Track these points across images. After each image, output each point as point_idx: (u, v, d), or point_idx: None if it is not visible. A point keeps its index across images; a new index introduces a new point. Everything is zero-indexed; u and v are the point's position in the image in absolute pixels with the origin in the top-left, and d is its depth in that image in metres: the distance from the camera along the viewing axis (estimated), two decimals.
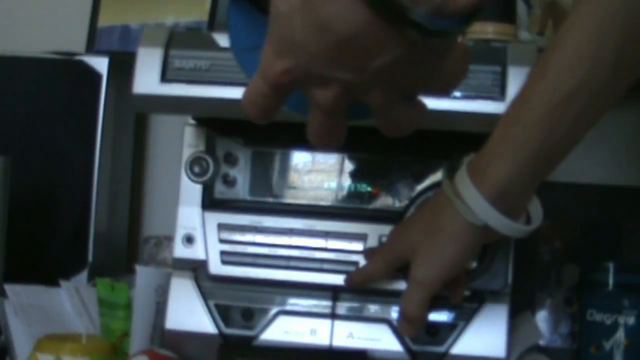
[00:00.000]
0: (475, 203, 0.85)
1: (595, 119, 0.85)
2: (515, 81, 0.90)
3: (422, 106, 0.68)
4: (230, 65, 0.93)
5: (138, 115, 1.45)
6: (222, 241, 1.02)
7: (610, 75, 0.82)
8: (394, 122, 0.67)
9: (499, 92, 0.91)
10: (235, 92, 0.92)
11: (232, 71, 0.93)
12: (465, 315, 0.99)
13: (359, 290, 1.00)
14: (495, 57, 0.92)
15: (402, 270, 0.94)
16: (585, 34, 0.82)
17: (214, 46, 0.95)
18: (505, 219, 0.85)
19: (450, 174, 0.89)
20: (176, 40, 0.95)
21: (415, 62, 0.61)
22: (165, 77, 0.94)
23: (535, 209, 0.89)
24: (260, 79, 0.63)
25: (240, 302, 1.02)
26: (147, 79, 0.94)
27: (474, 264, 0.98)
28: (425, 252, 0.89)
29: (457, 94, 0.91)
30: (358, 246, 1.00)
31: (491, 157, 0.85)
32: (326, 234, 1.01)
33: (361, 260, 1.00)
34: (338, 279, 1.00)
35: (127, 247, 1.43)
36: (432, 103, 0.88)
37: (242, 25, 0.68)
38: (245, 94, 0.65)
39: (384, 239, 0.99)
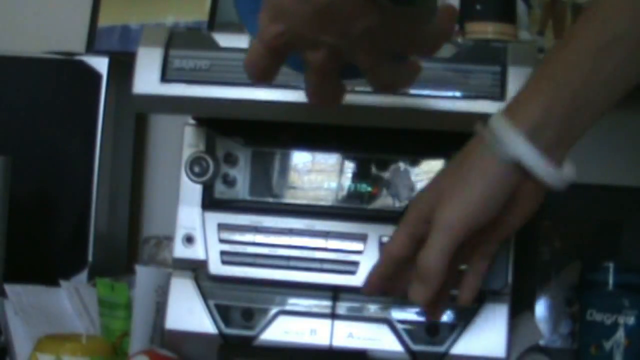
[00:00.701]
0: (507, 135, 0.79)
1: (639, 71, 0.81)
2: (515, 81, 0.89)
3: (415, 65, 0.73)
4: (230, 65, 0.94)
5: (138, 115, 1.45)
6: (222, 241, 1.02)
7: None
8: (384, 81, 0.72)
9: (499, 92, 0.91)
10: (235, 92, 0.93)
11: (232, 71, 0.93)
12: (465, 315, 0.99)
13: (359, 291, 1.00)
14: (495, 57, 0.92)
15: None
16: None
17: (214, 46, 0.95)
18: (537, 154, 0.79)
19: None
20: (176, 40, 0.95)
21: (393, 26, 0.67)
22: (165, 77, 0.94)
23: (569, 167, 0.82)
24: (259, 41, 0.69)
25: (240, 302, 1.02)
26: (147, 79, 0.94)
27: None
28: (450, 192, 0.81)
29: (457, 94, 0.91)
30: (358, 246, 1.00)
31: (528, 94, 0.81)
32: (326, 234, 1.01)
33: (361, 261, 1.00)
34: (338, 279, 1.00)
35: (127, 247, 1.43)
36: (432, 103, 0.91)
37: None
38: (247, 57, 0.71)
39: (384, 239, 0.99)
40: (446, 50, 0.90)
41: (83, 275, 1.30)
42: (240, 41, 0.94)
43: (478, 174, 0.80)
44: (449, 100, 0.91)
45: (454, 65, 0.90)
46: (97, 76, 1.32)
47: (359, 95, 0.91)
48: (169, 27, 0.91)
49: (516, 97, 0.82)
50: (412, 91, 0.90)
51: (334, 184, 1.04)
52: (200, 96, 0.94)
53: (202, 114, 1.00)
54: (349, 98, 0.89)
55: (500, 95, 0.90)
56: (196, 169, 1.03)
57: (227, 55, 0.94)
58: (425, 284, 0.81)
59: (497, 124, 0.80)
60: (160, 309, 1.05)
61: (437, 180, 0.85)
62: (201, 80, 0.94)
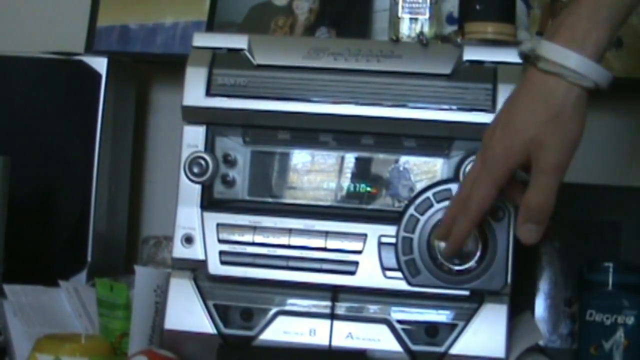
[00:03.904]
0: (586, 68, 0.87)
1: None
2: (504, 96, 0.97)
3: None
4: (265, 82, 1.03)
5: (137, 115, 1.45)
6: (221, 241, 1.02)
7: None
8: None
9: (490, 106, 0.99)
10: (268, 105, 1.02)
11: (266, 87, 1.03)
12: (464, 316, 0.99)
13: (358, 291, 1.00)
14: (488, 76, 1.01)
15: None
16: None
17: (251, 65, 1.04)
18: (606, 72, 0.88)
19: (528, 59, 0.91)
20: (219, 61, 1.05)
21: None
22: (209, 92, 1.04)
23: None
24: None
25: (239, 302, 1.02)
26: (194, 93, 1.04)
27: (473, 264, 0.98)
28: (552, 137, 0.88)
29: (454, 106, 1.00)
30: (357, 246, 1.00)
31: (590, 24, 0.87)
32: (325, 234, 1.01)
33: (361, 261, 1.00)
34: (337, 279, 1.00)
35: (126, 247, 1.43)
36: (433, 114, 0.99)
37: None
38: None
39: (383, 239, 0.99)
40: (445, 68, 1.01)
41: (82, 276, 1.30)
42: (274, 60, 1.04)
43: (572, 114, 0.88)
44: (447, 112, 0.99)
45: (452, 82, 1.01)
46: (96, 76, 1.32)
47: (368, 107, 1.00)
48: (213, 49, 1.03)
49: (575, 27, 0.88)
50: (416, 104, 1.00)
51: (333, 184, 1.04)
52: (239, 108, 1.03)
53: (241, 122, 1.05)
54: (358, 108, 1.00)
55: (491, 108, 0.99)
56: (195, 169, 1.04)
57: (262, 73, 1.03)
58: (538, 223, 0.91)
59: (567, 60, 0.87)
60: (159, 309, 1.05)
61: (527, 131, 0.89)
62: (240, 95, 1.03)
